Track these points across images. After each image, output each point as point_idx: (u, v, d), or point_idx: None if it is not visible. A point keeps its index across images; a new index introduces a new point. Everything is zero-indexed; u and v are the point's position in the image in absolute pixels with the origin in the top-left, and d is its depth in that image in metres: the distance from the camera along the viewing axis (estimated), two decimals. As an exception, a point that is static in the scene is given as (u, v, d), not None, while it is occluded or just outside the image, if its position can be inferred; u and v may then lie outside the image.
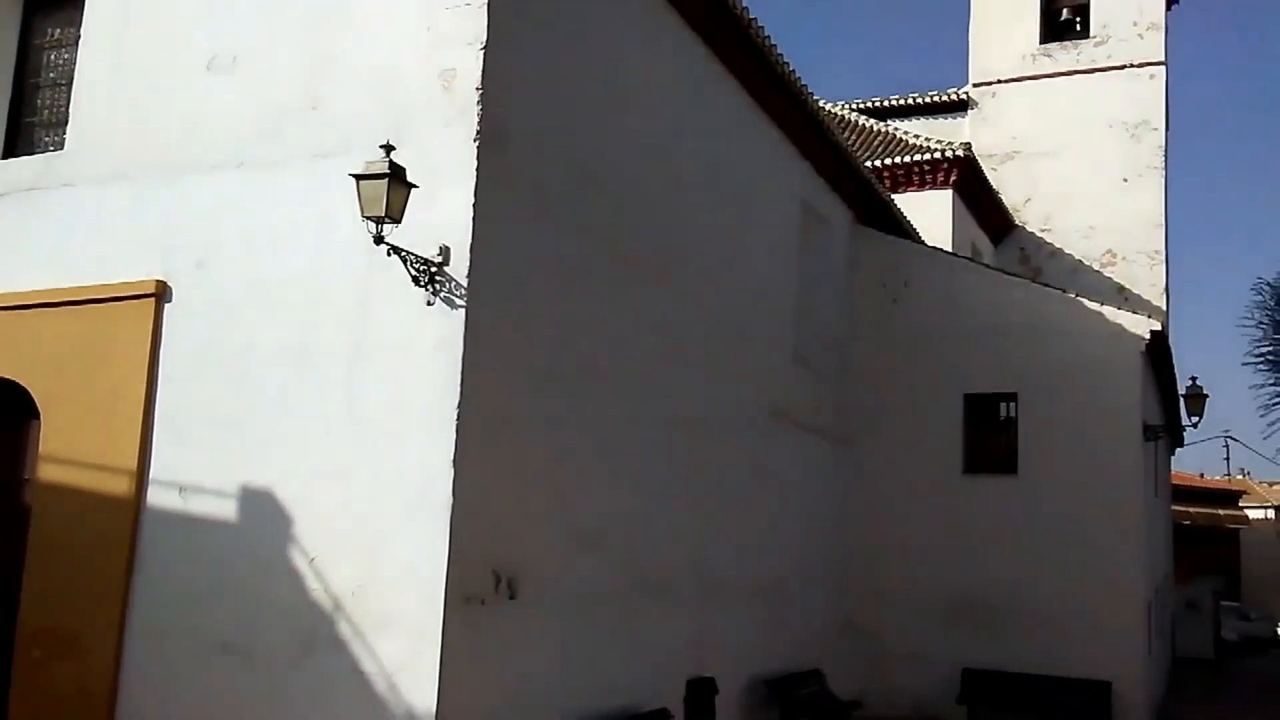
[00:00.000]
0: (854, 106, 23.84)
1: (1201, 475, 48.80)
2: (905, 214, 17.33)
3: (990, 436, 15.31)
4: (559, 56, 8.40)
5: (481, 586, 7.25)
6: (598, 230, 8.93)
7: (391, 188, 6.85)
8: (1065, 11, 24.71)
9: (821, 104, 15.79)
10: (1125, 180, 23.46)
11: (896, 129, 21.57)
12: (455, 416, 7.05)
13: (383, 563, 7.14)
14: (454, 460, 7.01)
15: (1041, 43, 24.54)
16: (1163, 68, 23.78)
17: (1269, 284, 26.12)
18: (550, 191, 8.25)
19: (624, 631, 9.19)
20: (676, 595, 10.26)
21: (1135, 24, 23.93)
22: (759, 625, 12.19)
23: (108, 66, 8.96)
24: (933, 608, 14.83)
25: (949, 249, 18.75)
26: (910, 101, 24.83)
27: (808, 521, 13.93)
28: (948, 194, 20.26)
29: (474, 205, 7.27)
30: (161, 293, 8.22)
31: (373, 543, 7.19)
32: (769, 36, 11.45)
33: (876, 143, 20.98)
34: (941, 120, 24.55)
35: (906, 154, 20.25)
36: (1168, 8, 24.53)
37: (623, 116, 9.39)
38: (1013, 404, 15.07)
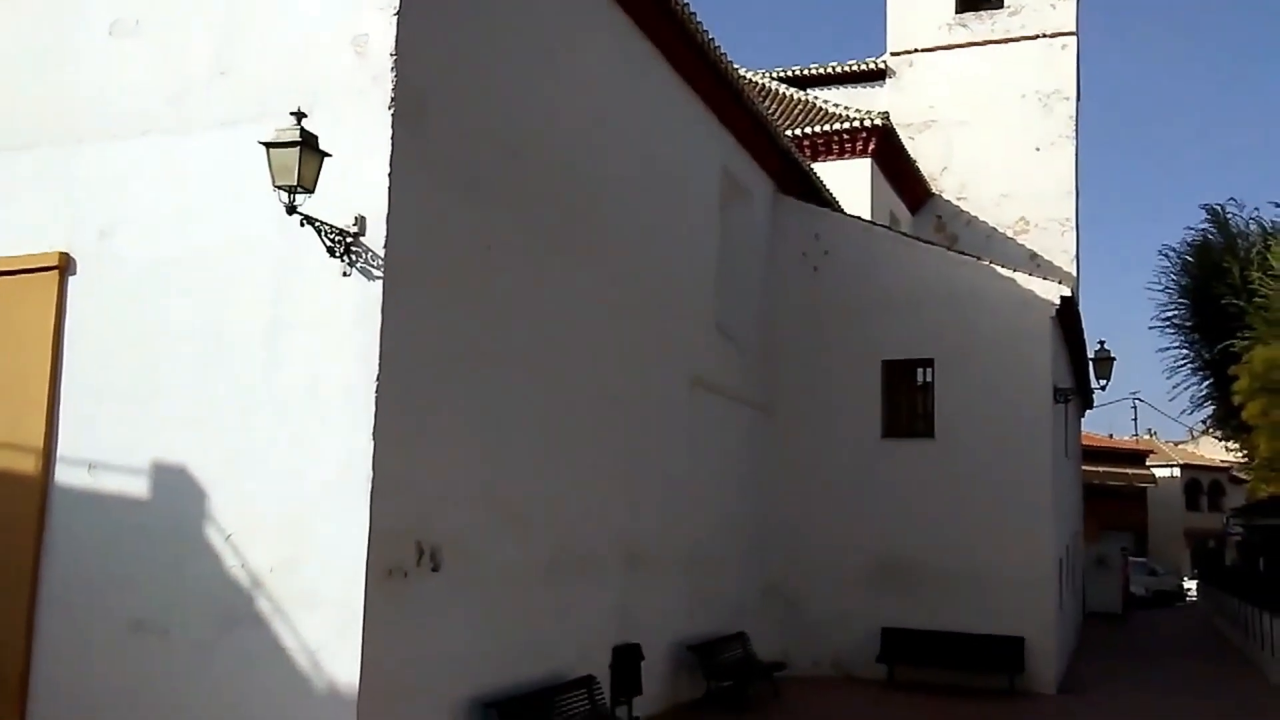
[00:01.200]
0: (774, 75, 23.94)
1: (1111, 436, 50.44)
2: (825, 183, 17.50)
3: (908, 401, 15.63)
4: (478, 24, 8.28)
5: (404, 559, 7.22)
6: (519, 201, 8.86)
7: (303, 156, 6.71)
8: (981, -19, 25.07)
9: (742, 73, 15.82)
10: (1038, 149, 23.94)
11: (816, 98, 21.72)
12: (374, 388, 6.98)
13: (303, 538, 7.06)
14: (374, 433, 6.95)
15: (958, 12, 24.86)
16: (1074, 38, 24.24)
17: (1175, 250, 26.77)
18: (470, 161, 8.15)
19: (550, 600, 9.23)
20: (601, 564, 10.32)
21: (1047, -6, 24.35)
22: (684, 592, 12.34)
23: (5, 32, 8.60)
24: (853, 569, 15.14)
25: (868, 217, 18.99)
26: (830, 70, 25.01)
27: (731, 489, 14.10)
28: (866, 163, 20.49)
29: (390, 174, 7.17)
30: (65, 265, 7.97)
31: (293, 518, 7.11)
32: (689, 4, 11.44)
33: (796, 112, 21.11)
34: (860, 89, 24.77)
35: (826, 123, 20.42)
36: (1079, -22, 25.01)
37: (544, 86, 9.30)
38: (929, 369, 15.37)
